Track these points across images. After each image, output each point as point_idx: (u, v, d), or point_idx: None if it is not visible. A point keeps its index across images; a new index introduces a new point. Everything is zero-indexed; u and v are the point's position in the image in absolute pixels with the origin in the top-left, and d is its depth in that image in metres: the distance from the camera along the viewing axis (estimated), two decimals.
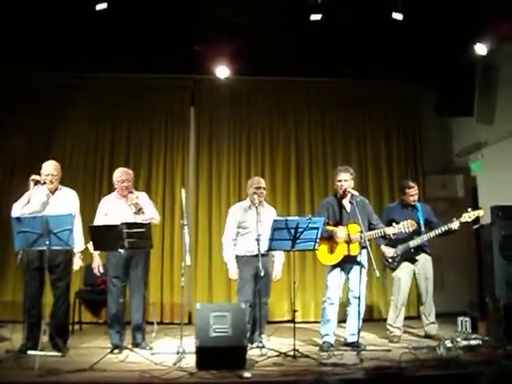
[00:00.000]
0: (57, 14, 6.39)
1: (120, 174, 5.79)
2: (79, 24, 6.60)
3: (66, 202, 5.55)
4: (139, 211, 5.69)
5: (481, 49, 6.93)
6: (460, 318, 6.47)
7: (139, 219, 5.63)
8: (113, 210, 5.71)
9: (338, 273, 5.72)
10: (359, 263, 5.62)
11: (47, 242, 4.81)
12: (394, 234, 5.68)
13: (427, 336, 6.26)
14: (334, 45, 7.17)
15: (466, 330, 6.35)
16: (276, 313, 7.73)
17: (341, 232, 5.61)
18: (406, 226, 5.60)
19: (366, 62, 7.65)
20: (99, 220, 5.72)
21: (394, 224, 5.66)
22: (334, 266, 5.71)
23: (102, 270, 5.76)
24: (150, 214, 5.81)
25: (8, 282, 7.64)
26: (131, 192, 5.74)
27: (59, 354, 5.18)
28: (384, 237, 5.80)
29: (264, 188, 5.94)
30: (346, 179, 5.73)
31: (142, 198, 5.87)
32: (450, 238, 6.32)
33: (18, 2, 6.21)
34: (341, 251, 5.60)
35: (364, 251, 5.63)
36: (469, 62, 7.37)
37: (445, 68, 7.63)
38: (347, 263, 5.68)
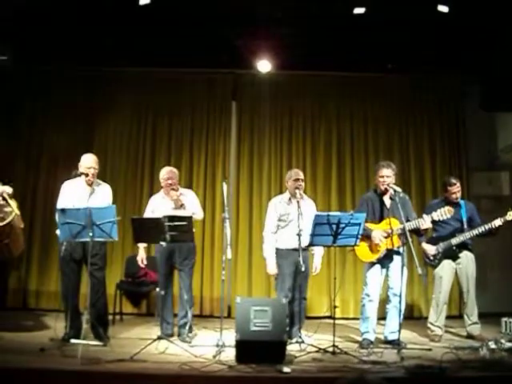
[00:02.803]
0: (101, 11, 6.49)
1: (165, 173, 6.01)
2: (123, 20, 6.69)
3: (103, 195, 5.65)
4: (180, 207, 5.81)
5: None
6: (504, 319, 6.30)
7: (180, 213, 5.70)
8: (158, 207, 5.89)
9: (378, 269, 5.65)
10: (400, 257, 5.52)
11: (90, 234, 4.88)
12: (434, 223, 5.59)
13: (469, 336, 6.12)
14: (377, 38, 7.05)
15: (511, 331, 6.19)
16: (315, 308, 7.70)
17: (377, 233, 5.53)
18: (443, 212, 5.47)
19: (410, 56, 7.50)
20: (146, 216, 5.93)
21: (432, 214, 5.51)
22: (373, 263, 5.64)
23: (145, 262, 5.93)
24: (192, 209, 5.91)
25: (52, 272, 7.81)
26: (174, 189, 5.87)
27: (101, 343, 5.26)
28: (419, 233, 5.69)
29: (302, 180, 5.86)
30: (388, 175, 5.64)
31: (189, 196, 6.05)
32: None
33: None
34: (383, 245, 5.52)
35: (404, 248, 5.54)
36: None
37: (491, 62, 7.43)
38: (388, 258, 5.59)
